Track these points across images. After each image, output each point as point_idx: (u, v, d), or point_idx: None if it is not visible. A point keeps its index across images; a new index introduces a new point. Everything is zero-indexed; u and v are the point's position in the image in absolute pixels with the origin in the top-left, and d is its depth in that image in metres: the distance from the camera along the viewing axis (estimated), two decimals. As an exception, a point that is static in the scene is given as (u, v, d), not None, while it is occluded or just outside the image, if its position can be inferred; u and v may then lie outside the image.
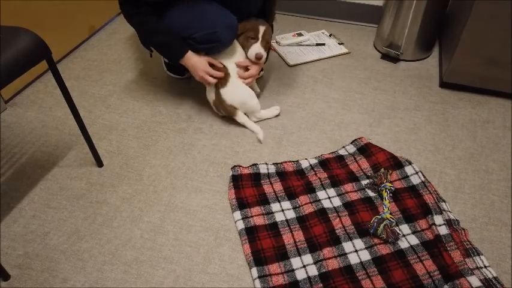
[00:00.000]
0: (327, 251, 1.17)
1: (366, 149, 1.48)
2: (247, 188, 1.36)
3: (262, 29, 1.54)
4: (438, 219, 1.22)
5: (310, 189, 1.35)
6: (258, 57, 1.55)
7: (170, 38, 1.49)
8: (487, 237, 1.25)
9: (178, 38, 1.50)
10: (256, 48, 1.55)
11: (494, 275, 1.14)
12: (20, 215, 1.31)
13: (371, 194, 1.34)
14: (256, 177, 1.39)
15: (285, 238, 1.22)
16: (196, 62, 1.51)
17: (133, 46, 2.06)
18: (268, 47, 1.62)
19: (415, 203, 1.30)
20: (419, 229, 1.23)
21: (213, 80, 1.53)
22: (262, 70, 1.80)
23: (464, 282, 1.08)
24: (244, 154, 1.51)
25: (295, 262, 1.16)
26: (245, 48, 1.58)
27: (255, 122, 1.62)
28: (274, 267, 1.15)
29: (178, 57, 1.51)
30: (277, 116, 1.67)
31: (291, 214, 1.29)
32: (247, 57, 1.58)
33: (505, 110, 1.70)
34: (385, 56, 2.00)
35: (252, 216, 1.27)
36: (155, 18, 1.47)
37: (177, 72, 1.85)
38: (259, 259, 1.17)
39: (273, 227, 1.25)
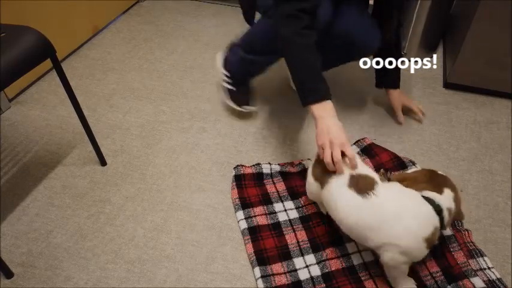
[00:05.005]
0: (329, 251, 1.17)
1: (369, 150, 1.47)
2: (250, 187, 1.36)
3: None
4: (442, 220, 1.22)
5: (313, 189, 1.34)
6: None
7: (311, 74, 1.19)
8: (490, 238, 1.24)
9: (320, 78, 1.18)
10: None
11: (498, 276, 1.13)
12: (23, 213, 1.31)
13: (374, 194, 1.34)
14: (259, 177, 1.39)
15: (287, 238, 1.22)
16: (330, 125, 1.11)
17: (137, 45, 2.06)
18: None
19: (419, 204, 1.29)
20: (422, 230, 1.23)
21: (340, 168, 1.05)
22: None
23: (468, 283, 1.08)
24: (247, 154, 1.51)
25: (298, 262, 1.16)
26: None
27: None
28: (277, 267, 1.15)
29: (309, 101, 1.18)
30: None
31: (294, 214, 1.28)
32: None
33: (509, 111, 1.69)
34: (389, 56, 1.99)
35: (254, 216, 1.27)
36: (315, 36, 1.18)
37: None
38: (262, 259, 1.16)
39: (276, 226, 1.25)
